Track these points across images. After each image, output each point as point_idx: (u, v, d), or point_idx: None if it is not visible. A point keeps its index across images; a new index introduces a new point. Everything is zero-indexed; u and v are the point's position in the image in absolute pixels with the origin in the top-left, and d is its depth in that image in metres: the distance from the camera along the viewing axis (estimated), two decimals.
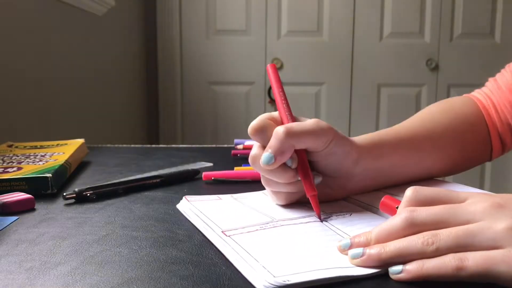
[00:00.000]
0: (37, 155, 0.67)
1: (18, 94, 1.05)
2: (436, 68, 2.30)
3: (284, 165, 0.44)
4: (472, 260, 0.30)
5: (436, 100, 2.56)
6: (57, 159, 0.63)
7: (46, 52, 1.20)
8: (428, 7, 2.27)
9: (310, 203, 0.44)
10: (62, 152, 0.68)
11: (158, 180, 0.59)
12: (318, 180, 0.45)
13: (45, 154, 0.67)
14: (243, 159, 0.77)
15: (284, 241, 0.38)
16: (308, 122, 0.44)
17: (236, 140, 0.88)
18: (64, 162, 0.62)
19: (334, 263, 0.34)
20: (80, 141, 0.76)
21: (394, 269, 0.33)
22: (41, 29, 1.17)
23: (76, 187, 0.54)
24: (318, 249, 0.37)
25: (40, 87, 1.16)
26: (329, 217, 0.44)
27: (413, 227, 0.34)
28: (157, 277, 0.33)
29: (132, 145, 0.91)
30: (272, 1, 2.27)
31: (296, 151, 0.44)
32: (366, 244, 0.35)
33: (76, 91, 1.41)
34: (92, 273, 0.34)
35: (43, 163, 0.61)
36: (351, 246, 0.36)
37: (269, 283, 0.31)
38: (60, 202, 0.52)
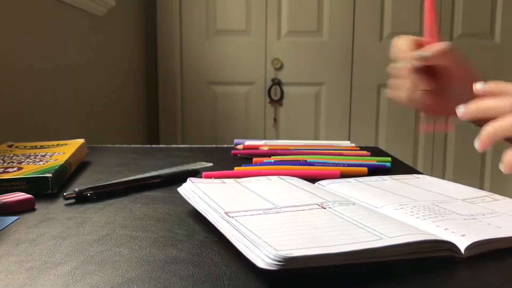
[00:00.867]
0: (37, 155, 0.67)
1: (18, 94, 1.05)
2: None
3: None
4: None
5: None
6: (57, 159, 0.63)
7: (46, 52, 1.20)
8: None
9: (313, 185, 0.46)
10: (62, 152, 0.68)
11: (158, 180, 0.60)
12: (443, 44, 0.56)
13: (45, 154, 0.67)
14: (243, 159, 0.77)
15: (288, 223, 0.39)
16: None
17: (236, 140, 0.88)
18: (64, 162, 0.62)
19: (337, 241, 0.34)
20: (80, 141, 0.76)
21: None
22: (41, 29, 1.17)
23: (76, 187, 0.54)
24: (322, 229, 0.37)
25: (40, 87, 1.16)
26: (333, 205, 0.44)
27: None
28: (157, 277, 0.33)
29: (132, 145, 0.91)
30: (272, 1, 2.27)
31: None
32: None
33: (76, 91, 1.41)
34: (92, 273, 0.34)
35: (43, 163, 0.61)
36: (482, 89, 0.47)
37: (269, 258, 0.31)
38: (60, 202, 0.52)
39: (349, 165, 0.68)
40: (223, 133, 2.33)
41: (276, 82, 2.31)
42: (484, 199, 0.49)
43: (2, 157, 0.66)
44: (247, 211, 0.41)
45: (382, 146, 2.31)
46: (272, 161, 0.70)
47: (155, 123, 2.37)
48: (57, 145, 0.74)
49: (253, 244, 0.33)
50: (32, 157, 0.66)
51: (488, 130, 0.44)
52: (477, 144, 0.43)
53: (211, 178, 0.61)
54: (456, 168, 2.35)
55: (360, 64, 2.31)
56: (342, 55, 2.31)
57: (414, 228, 0.38)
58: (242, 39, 2.30)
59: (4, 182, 0.54)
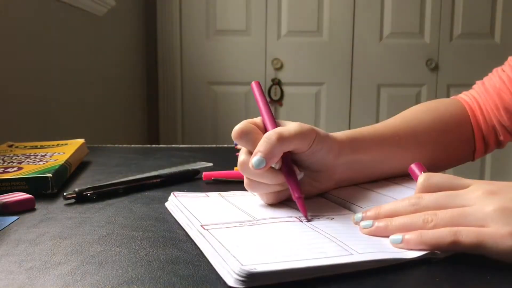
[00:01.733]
0: (37, 155, 0.67)
1: (18, 94, 1.05)
2: (436, 68, 2.31)
3: (271, 167, 0.46)
4: (466, 234, 0.35)
5: None
6: (57, 159, 0.63)
7: (46, 52, 1.20)
8: (428, 7, 2.27)
9: (295, 202, 0.46)
10: (62, 152, 0.68)
11: (158, 180, 0.60)
12: (300, 176, 0.48)
13: (46, 154, 0.67)
14: None
15: (261, 237, 0.39)
16: (293, 126, 0.46)
17: (237, 142, 0.88)
18: (65, 162, 0.62)
19: (306, 255, 0.34)
20: (80, 141, 0.76)
21: (394, 238, 0.38)
22: (41, 29, 1.17)
23: (76, 187, 0.54)
24: (293, 243, 0.37)
25: (40, 87, 1.16)
26: (311, 220, 0.44)
27: (417, 210, 0.40)
28: (157, 277, 0.33)
29: (132, 145, 0.91)
30: (272, 1, 2.27)
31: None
32: (376, 218, 0.41)
33: (76, 91, 1.41)
34: (92, 273, 0.34)
35: (44, 163, 0.61)
36: (362, 219, 0.42)
37: (235, 272, 0.31)
38: (60, 202, 0.52)
39: None
40: (223, 133, 2.33)
41: (276, 82, 2.31)
42: None
43: (2, 157, 0.66)
44: (223, 224, 0.41)
45: None
46: None
47: (155, 123, 2.37)
48: (57, 145, 0.74)
49: (223, 259, 0.33)
50: (32, 157, 0.66)
51: (417, 238, 0.37)
52: (402, 245, 0.37)
53: (211, 178, 0.61)
54: (456, 168, 2.34)
55: (360, 64, 2.32)
56: (342, 55, 2.31)
57: (386, 244, 0.38)
58: (242, 39, 2.30)
59: (4, 182, 0.54)
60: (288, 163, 0.46)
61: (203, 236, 0.38)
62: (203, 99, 2.34)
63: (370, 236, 0.40)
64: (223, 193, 0.53)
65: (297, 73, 2.32)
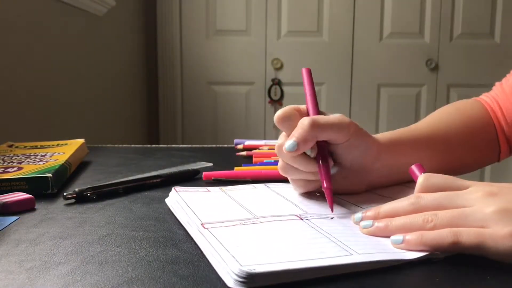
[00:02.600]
0: (37, 155, 0.67)
1: (18, 94, 1.05)
2: (436, 68, 2.31)
3: (305, 154, 0.46)
4: (466, 235, 0.35)
5: (436, 100, 2.58)
6: (57, 159, 0.63)
7: (46, 52, 1.20)
8: (428, 7, 2.27)
9: (300, 197, 0.47)
10: (62, 152, 0.68)
11: (158, 180, 0.59)
12: (333, 171, 0.48)
13: (46, 154, 0.67)
14: (243, 159, 0.77)
15: (261, 236, 0.39)
16: (332, 116, 0.47)
17: (236, 140, 0.88)
18: (65, 162, 0.62)
19: (305, 256, 0.34)
20: (80, 141, 0.76)
21: (395, 239, 0.37)
22: (41, 29, 1.17)
23: (76, 187, 0.54)
24: (293, 243, 0.37)
25: (40, 87, 1.16)
26: (311, 217, 0.44)
27: (416, 210, 0.39)
28: (157, 277, 0.33)
29: (132, 145, 0.91)
30: (272, 1, 2.27)
31: (318, 143, 0.47)
32: (375, 218, 0.41)
33: (76, 91, 1.41)
34: (92, 273, 0.34)
35: (44, 163, 0.61)
36: (362, 219, 0.41)
37: (234, 272, 0.31)
38: (60, 202, 0.52)
39: None
40: (223, 133, 2.33)
41: (276, 82, 2.31)
42: None
43: (2, 157, 0.66)
44: (223, 222, 0.41)
45: None
46: (272, 161, 0.70)
47: (155, 123, 2.37)
48: (57, 145, 0.74)
49: (223, 259, 0.33)
50: (32, 157, 0.66)
51: (418, 238, 0.36)
52: (403, 246, 0.37)
53: (211, 178, 0.61)
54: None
55: (360, 64, 2.32)
56: (342, 55, 2.31)
57: (386, 245, 0.38)
58: (242, 39, 2.30)
59: (4, 182, 0.54)
60: (324, 153, 0.47)
61: (203, 236, 0.38)
62: (203, 99, 2.34)
63: (369, 237, 0.40)
64: (224, 188, 0.53)
65: (297, 73, 2.31)
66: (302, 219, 0.43)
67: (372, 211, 0.42)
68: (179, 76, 2.33)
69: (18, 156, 0.66)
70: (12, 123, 1.01)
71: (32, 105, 1.11)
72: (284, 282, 0.32)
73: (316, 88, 2.31)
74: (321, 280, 0.32)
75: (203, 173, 0.62)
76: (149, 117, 2.34)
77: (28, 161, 0.63)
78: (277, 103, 2.32)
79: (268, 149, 0.82)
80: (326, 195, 0.45)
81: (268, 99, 2.32)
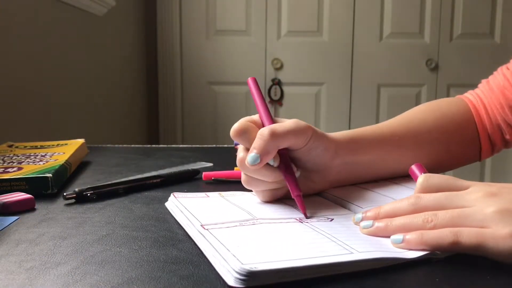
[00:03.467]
0: (37, 155, 0.67)
1: (18, 94, 1.05)
2: (436, 68, 2.31)
3: (268, 164, 0.46)
4: (466, 235, 0.35)
5: None
6: (57, 159, 0.63)
7: (46, 52, 1.20)
8: (428, 7, 2.27)
9: (293, 200, 0.46)
10: (62, 152, 0.68)
11: (158, 180, 0.59)
12: (297, 174, 0.48)
13: (46, 154, 0.67)
14: None
15: (261, 236, 0.39)
16: (289, 123, 0.46)
17: (236, 140, 0.88)
18: (65, 162, 0.62)
19: (306, 254, 0.34)
20: (80, 141, 0.76)
21: (395, 238, 0.37)
22: (41, 29, 1.17)
23: (76, 187, 0.54)
24: (293, 242, 0.37)
25: (40, 87, 1.16)
26: (310, 220, 0.44)
27: (416, 210, 0.40)
28: (157, 277, 0.33)
29: (132, 145, 0.91)
30: (272, 1, 2.28)
31: (279, 151, 0.46)
32: (375, 218, 0.41)
33: (76, 91, 1.41)
34: (92, 273, 0.34)
35: (44, 163, 0.61)
36: (362, 219, 0.42)
37: (235, 270, 0.31)
38: (60, 202, 0.52)
39: None
40: (223, 133, 2.33)
41: (276, 82, 2.31)
42: None
43: (2, 157, 0.66)
44: (223, 223, 0.41)
45: None
46: None
47: (155, 123, 2.37)
48: (57, 145, 0.74)
49: (223, 258, 0.33)
50: (32, 157, 0.66)
51: (418, 237, 0.37)
52: (403, 245, 0.37)
53: (211, 178, 0.61)
54: (456, 169, 2.34)
55: (360, 64, 2.32)
56: (342, 55, 2.31)
57: (387, 244, 0.38)
58: (242, 39, 2.30)
59: (4, 182, 0.54)
60: (286, 161, 0.46)
61: (203, 236, 0.38)
62: (203, 99, 2.34)
63: (370, 236, 0.40)
64: (223, 193, 0.53)
65: (297, 73, 2.32)
66: (302, 222, 0.43)
67: (372, 211, 0.42)
68: (179, 76, 2.33)
69: (18, 156, 0.66)
70: (12, 123, 1.01)
71: (32, 105, 1.11)
72: (285, 281, 0.32)
73: (316, 88, 2.33)
74: (322, 279, 0.32)
75: (203, 173, 0.62)
76: (149, 117, 2.34)
77: (28, 161, 0.63)
78: (277, 103, 2.32)
79: None
80: (297, 202, 0.45)
81: (268, 99, 2.32)
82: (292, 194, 0.45)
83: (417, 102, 2.32)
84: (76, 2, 1.36)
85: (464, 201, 0.38)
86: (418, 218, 0.38)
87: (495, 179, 2.36)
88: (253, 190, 0.49)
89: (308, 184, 0.50)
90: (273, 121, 0.48)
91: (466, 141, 0.63)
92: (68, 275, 0.34)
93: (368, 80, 2.32)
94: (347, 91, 2.34)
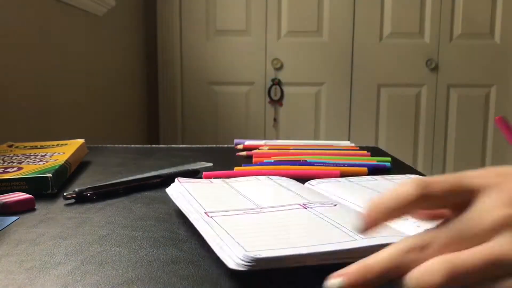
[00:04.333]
0: (37, 155, 0.67)
1: (18, 94, 1.05)
2: (436, 68, 2.31)
3: None
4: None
5: (436, 100, 2.57)
6: (57, 159, 0.63)
7: (46, 52, 1.20)
8: (428, 7, 2.27)
9: (296, 186, 0.46)
10: (62, 152, 0.68)
11: (158, 180, 0.59)
12: None
13: (45, 154, 0.67)
14: (243, 159, 0.77)
15: (265, 224, 0.39)
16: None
17: (236, 140, 0.88)
18: (64, 162, 0.62)
19: (309, 242, 0.34)
20: (80, 141, 0.76)
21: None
22: (41, 29, 1.17)
23: (76, 187, 0.54)
24: (297, 229, 0.37)
25: (40, 87, 1.16)
26: (314, 206, 0.44)
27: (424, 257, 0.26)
28: (157, 277, 0.33)
29: (132, 145, 0.91)
30: (272, 1, 2.27)
31: None
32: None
33: (76, 91, 1.41)
34: (92, 273, 0.34)
35: (44, 163, 0.61)
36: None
37: (239, 258, 0.31)
38: (60, 202, 0.52)
39: (349, 165, 0.68)
40: (223, 133, 2.33)
41: (276, 82, 2.31)
42: None
43: (2, 157, 0.66)
44: (227, 211, 0.42)
45: (382, 146, 2.31)
46: (272, 161, 0.70)
47: (155, 123, 2.37)
48: (57, 145, 0.74)
49: (226, 245, 0.34)
50: (32, 157, 0.66)
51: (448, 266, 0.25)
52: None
53: (211, 178, 0.61)
54: (456, 169, 2.35)
55: (360, 64, 2.31)
56: (342, 55, 2.31)
57: (390, 230, 0.37)
58: (242, 39, 2.30)
59: (4, 182, 0.54)
60: None
61: (207, 223, 0.38)
62: (203, 99, 2.34)
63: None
64: (227, 179, 0.53)
65: (297, 73, 2.32)
66: (306, 208, 0.43)
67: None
68: (179, 76, 2.33)
69: (18, 156, 0.66)
70: (12, 123, 1.01)
71: (32, 105, 1.11)
72: (289, 267, 0.32)
73: (316, 88, 2.33)
74: (328, 267, 0.32)
75: (203, 173, 0.62)
76: (149, 117, 2.34)
77: (28, 161, 0.63)
78: (277, 103, 2.32)
79: (268, 149, 0.82)
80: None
81: (268, 99, 2.32)
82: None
83: (417, 102, 2.32)
84: (76, 2, 1.36)
85: (481, 226, 0.26)
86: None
87: None
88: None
89: None
90: None
91: None
92: (68, 275, 0.34)
93: (368, 80, 2.32)
94: (347, 91, 2.34)
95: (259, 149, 0.82)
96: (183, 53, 2.32)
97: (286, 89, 2.32)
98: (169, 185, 0.58)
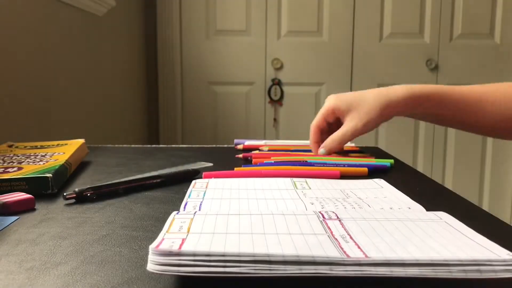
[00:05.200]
0: (37, 155, 0.67)
1: (18, 94, 1.05)
2: (436, 68, 2.31)
3: None
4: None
5: None
6: (57, 159, 0.63)
7: (46, 52, 1.20)
8: (428, 7, 2.27)
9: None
10: (62, 152, 0.68)
11: (158, 180, 0.59)
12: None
13: (46, 154, 0.67)
14: (244, 160, 0.77)
15: (242, 225, 0.38)
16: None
17: (236, 140, 0.88)
18: (65, 162, 0.62)
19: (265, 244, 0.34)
20: (80, 141, 0.76)
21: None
22: (41, 29, 1.17)
23: (76, 187, 0.54)
24: (271, 232, 0.36)
25: (40, 87, 1.16)
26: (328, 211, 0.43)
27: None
28: (157, 277, 0.33)
29: (132, 145, 0.91)
30: (272, 1, 2.27)
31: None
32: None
33: (76, 91, 1.41)
34: (92, 273, 0.34)
35: (44, 163, 0.61)
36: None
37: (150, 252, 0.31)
38: (60, 202, 0.52)
39: (349, 165, 0.68)
40: (223, 133, 2.33)
41: (276, 82, 2.31)
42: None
43: (2, 157, 0.66)
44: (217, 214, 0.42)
45: (382, 146, 2.31)
46: (272, 161, 0.70)
47: (155, 123, 2.37)
48: (57, 145, 0.74)
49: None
50: (32, 157, 0.66)
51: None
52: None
53: (211, 178, 0.61)
54: (456, 169, 2.35)
55: (360, 64, 2.32)
56: (342, 55, 2.31)
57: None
58: (242, 39, 2.30)
59: (4, 182, 0.54)
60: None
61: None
62: (203, 99, 2.34)
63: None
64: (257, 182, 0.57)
65: (297, 73, 2.32)
66: (319, 219, 0.40)
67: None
68: (179, 76, 2.33)
69: (18, 156, 0.66)
70: (12, 123, 1.01)
71: (32, 105, 1.11)
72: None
73: (316, 88, 2.33)
74: (321, 281, 0.32)
75: (203, 173, 0.62)
76: (149, 117, 2.34)
77: (28, 161, 0.63)
78: (277, 103, 2.32)
79: (268, 149, 0.82)
80: None
81: (268, 99, 2.32)
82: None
83: None
84: (76, 2, 1.36)
85: None
86: None
87: (495, 179, 2.35)
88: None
89: None
90: None
91: None
92: (68, 275, 0.34)
93: (368, 80, 2.32)
94: (347, 91, 2.33)
95: (259, 149, 0.82)
96: (183, 53, 2.32)
97: (286, 89, 2.32)
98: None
